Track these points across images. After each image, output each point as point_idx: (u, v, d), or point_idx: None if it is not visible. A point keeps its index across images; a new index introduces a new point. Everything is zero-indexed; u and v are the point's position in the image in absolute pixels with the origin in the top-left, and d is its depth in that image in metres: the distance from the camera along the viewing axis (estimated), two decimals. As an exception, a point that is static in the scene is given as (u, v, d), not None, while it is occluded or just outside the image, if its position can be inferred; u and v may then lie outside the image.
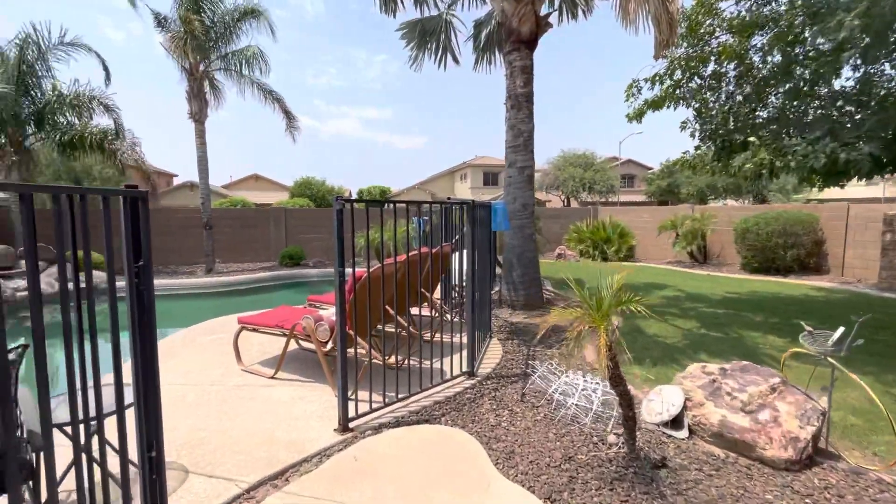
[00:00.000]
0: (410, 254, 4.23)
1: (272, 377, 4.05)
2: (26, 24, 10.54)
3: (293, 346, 4.57)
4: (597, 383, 3.54)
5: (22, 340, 1.99)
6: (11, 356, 1.68)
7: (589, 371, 4.12)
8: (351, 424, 3.12)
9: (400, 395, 3.49)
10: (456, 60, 8.87)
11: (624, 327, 5.87)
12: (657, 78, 7.35)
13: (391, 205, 3.41)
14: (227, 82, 12.70)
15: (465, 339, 4.61)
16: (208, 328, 5.82)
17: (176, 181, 34.88)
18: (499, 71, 9.27)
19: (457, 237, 5.69)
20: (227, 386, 3.88)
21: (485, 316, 4.81)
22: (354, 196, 29.02)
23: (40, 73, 11.03)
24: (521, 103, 6.53)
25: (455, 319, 5.74)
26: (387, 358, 3.82)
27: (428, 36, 8.41)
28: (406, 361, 4.12)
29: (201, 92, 11.93)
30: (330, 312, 4.07)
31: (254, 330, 4.28)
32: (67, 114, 11.28)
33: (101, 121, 11.69)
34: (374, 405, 3.31)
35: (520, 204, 6.55)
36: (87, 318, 1.85)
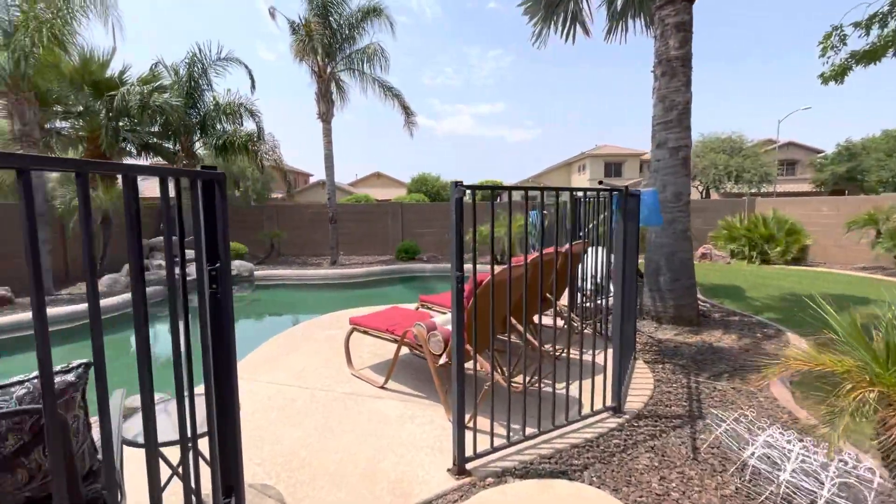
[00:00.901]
0: (543, 252, 3.49)
1: (381, 387, 3.67)
2: (193, 45, 12.14)
3: (405, 349, 4.17)
4: (820, 450, 2.40)
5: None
6: (70, 377, 1.38)
7: (794, 428, 2.94)
8: (468, 465, 2.51)
9: (528, 433, 2.78)
10: (586, 31, 7.76)
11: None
12: (876, 19, 5.44)
13: (519, 192, 2.70)
14: (350, 82, 13.21)
15: (601, 359, 3.72)
16: (326, 322, 5.78)
17: (312, 180, 38.72)
18: (628, 44, 7.89)
19: (581, 233, 4.79)
20: (335, 393, 3.58)
21: (629, 331, 3.84)
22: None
23: (203, 87, 12.63)
24: (675, 69, 5.28)
25: (586, 331, 4.83)
26: (510, 378, 3.15)
27: (555, 6, 7.46)
28: (533, 382, 3.40)
29: (328, 93, 12.56)
30: (444, 319, 3.53)
31: (364, 332, 3.95)
32: (222, 120, 12.77)
33: (247, 125, 13.03)
34: (496, 441, 2.66)
35: (671, 193, 5.31)
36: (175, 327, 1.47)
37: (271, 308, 9.56)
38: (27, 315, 6.91)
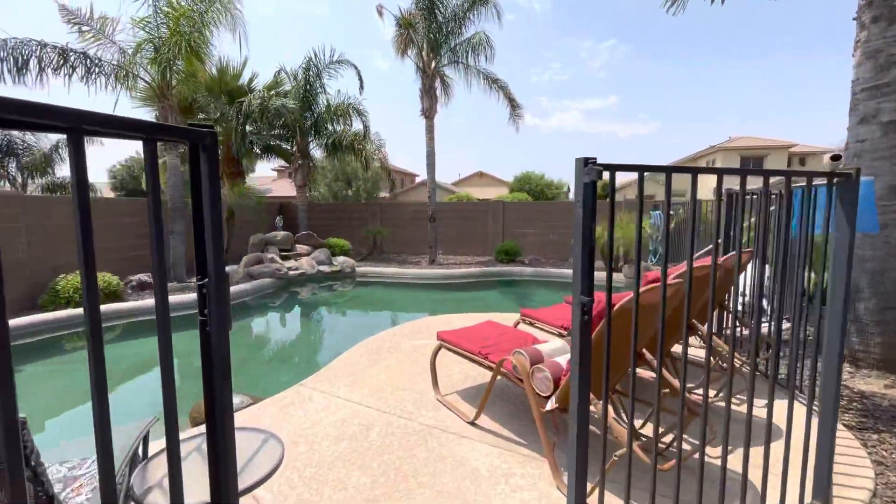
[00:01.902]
0: (695, 264, 2.50)
1: (471, 422, 2.98)
2: (309, 51, 12.79)
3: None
4: None
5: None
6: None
7: None
8: (588, 581, 1.70)
9: (680, 536, 1.86)
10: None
11: None
12: None
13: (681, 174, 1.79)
14: (454, 77, 12.81)
15: (764, 411, 2.58)
16: (416, 329, 5.29)
17: (417, 180, 39.84)
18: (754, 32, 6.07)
19: (725, 238, 3.53)
20: (416, 424, 2.99)
21: (832, 383, 2.62)
22: (573, 191, 27.22)
23: (317, 90, 13.26)
24: (893, 13, 3.74)
25: (744, 368, 3.60)
26: (658, 440, 2.25)
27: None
28: (676, 444, 2.43)
29: (432, 88, 12.30)
30: (551, 349, 2.72)
31: (454, 352, 3.31)
32: (333, 121, 13.28)
33: (355, 125, 13.38)
34: (631, 544, 1.79)
35: (884, 186, 3.78)
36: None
37: (367, 306, 9.55)
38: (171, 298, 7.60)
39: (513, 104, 12.78)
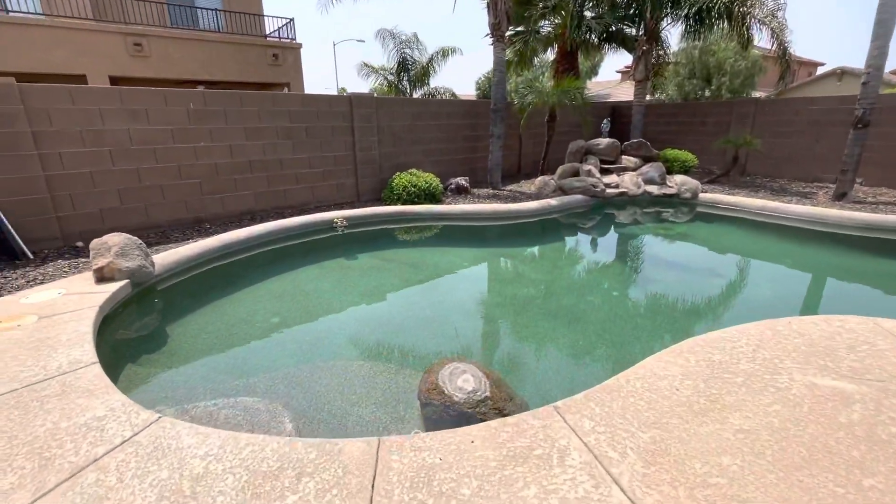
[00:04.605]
0: None
1: None
2: None
3: None
4: None
5: None
6: None
7: None
8: None
9: None
10: None
11: None
12: None
13: None
14: None
15: None
16: (818, 342, 2.62)
17: (820, 70, 27.57)
18: None
19: None
20: None
21: None
22: None
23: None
24: None
25: None
26: None
27: None
28: None
29: None
30: None
31: None
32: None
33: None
34: None
35: None
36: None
37: (710, 254, 6.49)
38: (471, 207, 7.38)
39: None
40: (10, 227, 4.78)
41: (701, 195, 8.38)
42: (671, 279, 5.22)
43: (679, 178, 8.82)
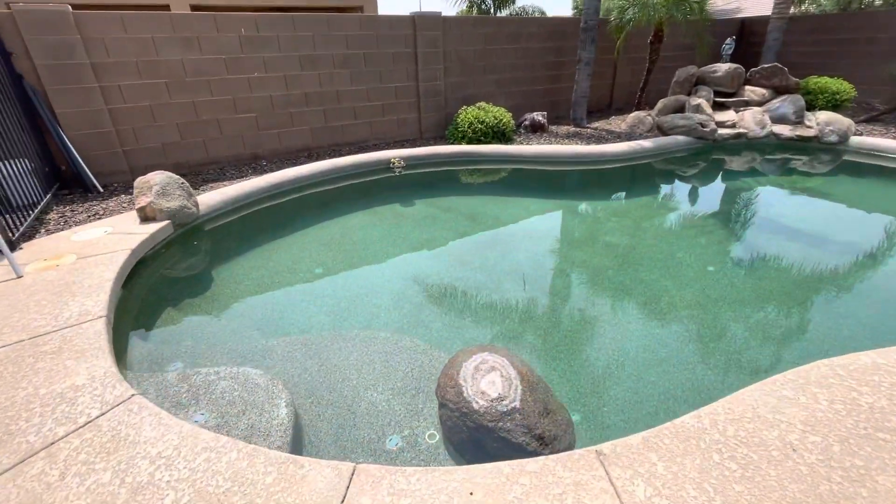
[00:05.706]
0: None
1: None
2: None
3: None
4: None
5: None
6: None
7: None
8: None
9: None
10: None
11: None
12: None
13: None
14: None
15: None
16: None
17: None
18: None
19: None
20: None
21: None
22: None
23: None
24: None
25: None
26: None
27: None
28: None
29: None
30: None
31: None
32: None
33: None
34: None
35: None
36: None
37: (867, 217, 4.99)
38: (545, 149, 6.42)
39: None
40: (80, 159, 4.94)
41: (852, 139, 6.49)
42: (795, 255, 4.00)
43: (823, 115, 6.89)
